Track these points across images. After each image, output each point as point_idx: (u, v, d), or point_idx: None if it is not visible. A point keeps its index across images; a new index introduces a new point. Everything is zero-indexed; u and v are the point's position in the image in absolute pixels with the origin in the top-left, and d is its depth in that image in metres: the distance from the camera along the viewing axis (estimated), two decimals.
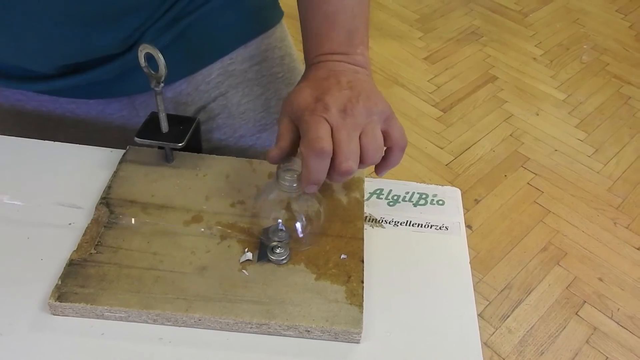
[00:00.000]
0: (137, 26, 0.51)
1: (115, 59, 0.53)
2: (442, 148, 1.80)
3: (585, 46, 2.31)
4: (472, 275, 0.47)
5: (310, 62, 0.48)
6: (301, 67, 0.60)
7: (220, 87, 0.60)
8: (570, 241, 1.56)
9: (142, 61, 0.46)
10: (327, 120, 0.42)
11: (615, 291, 1.44)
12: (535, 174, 1.74)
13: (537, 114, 1.96)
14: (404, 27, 2.36)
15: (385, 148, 0.45)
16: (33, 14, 0.46)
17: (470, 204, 1.64)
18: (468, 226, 1.50)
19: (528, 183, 1.72)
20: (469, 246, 0.49)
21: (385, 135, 0.44)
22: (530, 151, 1.82)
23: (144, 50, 0.45)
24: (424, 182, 0.54)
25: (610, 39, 2.35)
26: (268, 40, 0.62)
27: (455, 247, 0.49)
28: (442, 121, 1.91)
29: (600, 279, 1.47)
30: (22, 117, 0.59)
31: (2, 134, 0.56)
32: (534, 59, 2.22)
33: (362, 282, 0.44)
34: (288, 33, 0.66)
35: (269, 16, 0.62)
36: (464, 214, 0.52)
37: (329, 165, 0.42)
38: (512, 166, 1.77)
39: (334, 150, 0.42)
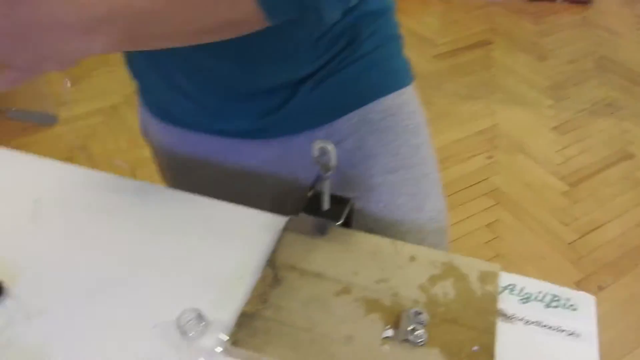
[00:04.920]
0: (289, 72, 0.65)
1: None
2: (566, 225, 1.73)
3: None
4: None
5: None
6: (425, 123, 0.74)
7: (359, 131, 0.70)
8: None
9: (315, 153, 0.55)
10: None
11: None
12: None
13: None
14: (533, 93, 2.33)
15: None
16: (214, 56, 0.62)
17: (592, 289, 1.55)
18: None
19: None
20: None
21: None
22: None
23: (318, 145, 0.54)
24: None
25: None
26: (402, 97, 0.72)
27: (586, 356, 0.50)
28: (568, 196, 1.84)
29: None
30: (198, 164, 0.76)
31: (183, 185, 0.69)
32: None
33: None
34: (417, 96, 0.76)
35: (403, 77, 0.74)
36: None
37: None
38: None
39: None
